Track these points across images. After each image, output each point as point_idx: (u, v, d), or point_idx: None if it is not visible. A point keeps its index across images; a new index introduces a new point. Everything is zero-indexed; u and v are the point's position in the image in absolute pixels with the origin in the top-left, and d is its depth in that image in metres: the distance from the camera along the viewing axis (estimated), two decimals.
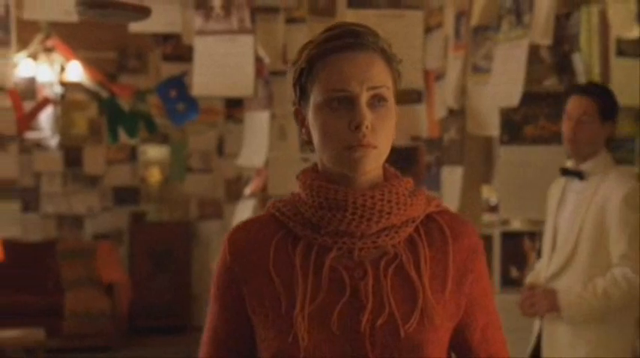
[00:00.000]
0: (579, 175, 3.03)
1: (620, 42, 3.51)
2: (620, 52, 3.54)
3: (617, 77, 3.52)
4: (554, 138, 3.60)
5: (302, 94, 1.43)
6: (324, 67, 1.38)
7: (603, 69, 3.53)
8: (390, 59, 1.41)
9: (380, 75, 1.38)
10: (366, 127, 1.35)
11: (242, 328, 1.43)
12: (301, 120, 1.45)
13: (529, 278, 3.17)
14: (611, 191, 2.94)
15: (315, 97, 1.39)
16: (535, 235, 3.70)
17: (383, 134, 1.38)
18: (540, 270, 3.14)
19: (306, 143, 1.45)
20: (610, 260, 2.92)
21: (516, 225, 3.98)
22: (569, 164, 3.15)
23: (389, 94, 1.39)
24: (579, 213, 3.00)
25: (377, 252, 1.40)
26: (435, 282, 1.40)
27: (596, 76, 3.51)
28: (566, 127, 3.05)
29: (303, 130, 1.45)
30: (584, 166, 3.03)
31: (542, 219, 3.66)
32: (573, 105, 3.03)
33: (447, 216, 1.46)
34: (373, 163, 1.38)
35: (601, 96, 3.04)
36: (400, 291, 1.38)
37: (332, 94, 1.37)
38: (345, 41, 1.38)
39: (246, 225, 1.46)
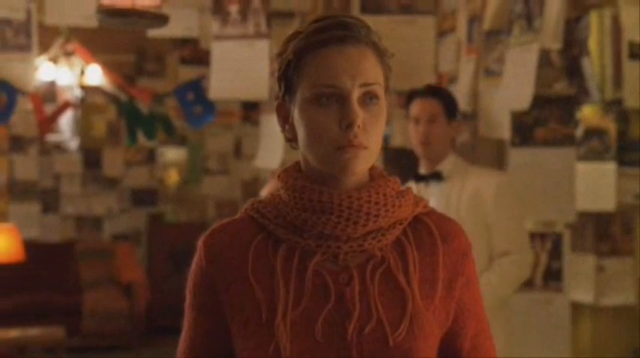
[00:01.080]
0: (437, 177, 3.02)
1: (632, 45, 3.55)
2: (632, 55, 3.58)
3: (629, 80, 3.56)
4: (565, 141, 3.64)
5: (287, 88, 1.32)
6: (312, 61, 1.28)
7: (615, 72, 3.57)
8: (381, 54, 1.31)
9: (372, 70, 1.28)
10: (358, 127, 1.25)
11: (220, 337, 1.33)
12: (284, 116, 1.34)
13: None
14: (480, 185, 2.96)
15: (302, 92, 1.29)
16: (546, 236, 3.74)
17: (374, 134, 1.28)
18: None
19: (289, 141, 1.35)
20: (492, 250, 2.95)
21: (528, 226, 4.01)
22: (421, 169, 3.11)
23: (381, 92, 1.29)
24: (449, 213, 2.99)
25: (363, 255, 1.30)
26: (424, 287, 1.31)
27: (608, 78, 3.54)
28: (415, 131, 3.03)
29: (287, 127, 1.34)
30: (441, 167, 3.03)
31: (553, 220, 3.70)
32: (421, 107, 3.02)
33: (435, 216, 1.37)
34: (363, 164, 1.28)
35: (444, 96, 3.06)
36: (388, 297, 1.29)
37: (321, 90, 1.27)
38: (336, 33, 1.27)
39: (222, 227, 1.36)
